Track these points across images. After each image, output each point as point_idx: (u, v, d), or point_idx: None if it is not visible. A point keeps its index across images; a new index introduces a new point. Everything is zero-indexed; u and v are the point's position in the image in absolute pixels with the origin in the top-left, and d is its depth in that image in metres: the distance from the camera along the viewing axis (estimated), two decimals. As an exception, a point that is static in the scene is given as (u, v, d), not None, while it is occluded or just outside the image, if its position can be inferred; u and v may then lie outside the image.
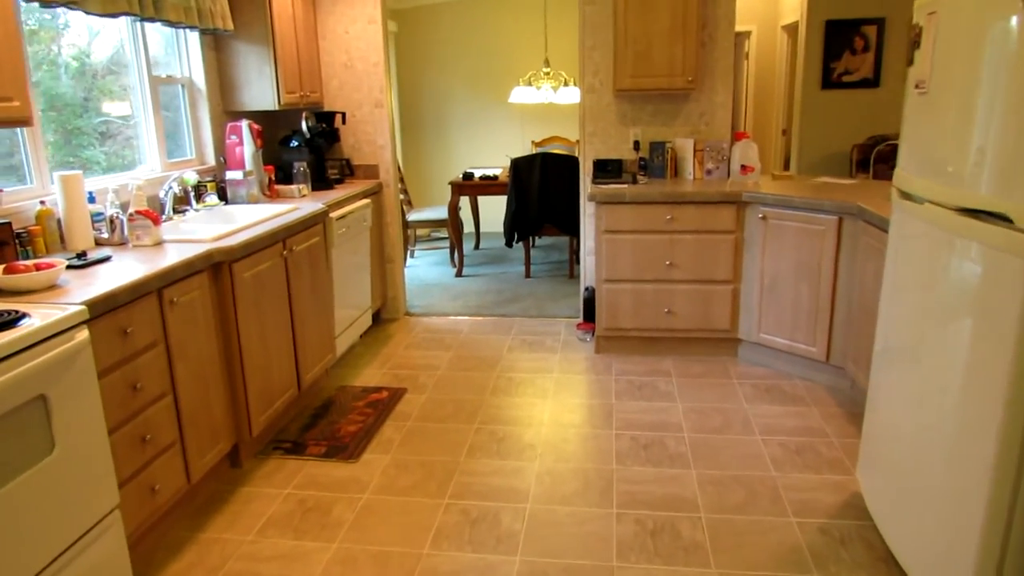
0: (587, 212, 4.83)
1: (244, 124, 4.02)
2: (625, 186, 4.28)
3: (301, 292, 3.57)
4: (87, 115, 3.40)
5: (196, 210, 3.69)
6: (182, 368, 2.64)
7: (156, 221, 2.94)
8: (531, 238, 6.34)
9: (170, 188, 3.47)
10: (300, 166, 4.38)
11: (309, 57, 4.67)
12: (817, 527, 2.67)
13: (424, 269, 6.61)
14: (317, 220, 3.77)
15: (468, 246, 7.47)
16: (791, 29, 7.77)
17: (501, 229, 7.54)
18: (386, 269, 5.13)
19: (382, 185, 5.01)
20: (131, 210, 2.92)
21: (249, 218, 3.54)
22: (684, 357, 4.35)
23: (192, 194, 3.73)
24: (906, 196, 2.53)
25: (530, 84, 6.47)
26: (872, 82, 7.23)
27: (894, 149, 5.68)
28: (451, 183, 6.31)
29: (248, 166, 4.03)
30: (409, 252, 6.89)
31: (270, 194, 4.22)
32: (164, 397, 2.53)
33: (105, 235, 2.95)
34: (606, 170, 4.61)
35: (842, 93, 7.31)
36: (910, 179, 2.47)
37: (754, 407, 3.66)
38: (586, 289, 4.87)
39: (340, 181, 4.82)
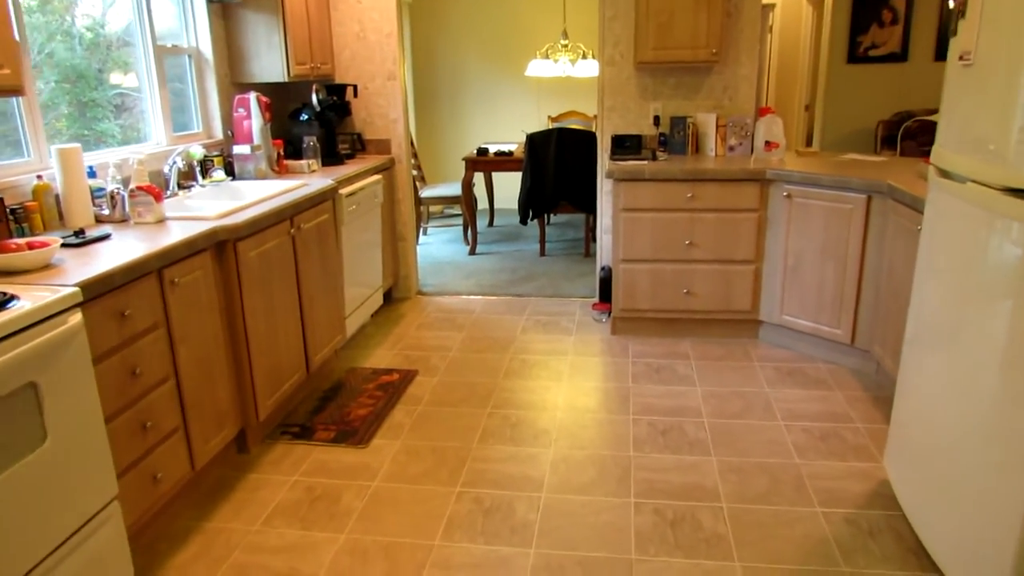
0: (604, 189, 4.69)
1: (252, 97, 3.90)
2: (644, 163, 4.14)
3: (309, 271, 3.47)
4: (102, 87, 3.32)
5: (202, 185, 3.59)
6: (184, 351, 2.54)
7: (158, 197, 2.84)
8: (546, 215, 6.20)
9: (174, 163, 3.36)
10: (310, 140, 4.26)
11: (320, 27, 4.53)
12: (844, 518, 2.56)
13: (437, 247, 6.50)
14: (326, 197, 3.65)
15: (482, 223, 7.34)
16: (816, 1, 7.54)
17: (516, 206, 7.40)
18: (398, 247, 5.02)
19: (394, 160, 4.88)
20: (132, 186, 2.81)
21: (256, 194, 3.43)
22: (703, 339, 4.22)
23: (198, 169, 3.63)
24: (945, 174, 2.39)
25: (547, 57, 6.30)
26: (900, 56, 7.02)
27: (923, 125, 5.48)
28: (465, 159, 6.18)
29: (256, 140, 3.91)
30: (422, 229, 6.78)
31: (279, 169, 4.11)
32: (166, 382, 2.43)
33: (106, 212, 2.85)
34: (625, 146, 4.46)
35: (868, 67, 7.11)
36: (950, 157, 2.32)
37: (776, 391, 3.54)
38: (602, 268, 4.74)
39: (351, 156, 4.70)
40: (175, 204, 3.23)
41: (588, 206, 5.80)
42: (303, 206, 3.38)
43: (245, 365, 2.92)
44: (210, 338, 2.72)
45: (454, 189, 6.47)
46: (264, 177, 3.89)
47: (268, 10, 4.02)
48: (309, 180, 3.81)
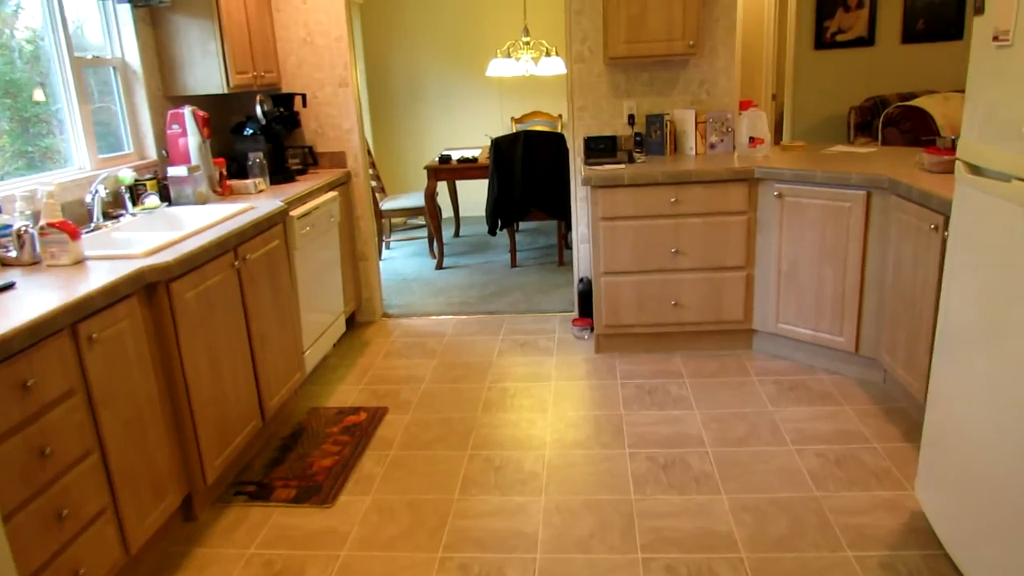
0: (579, 196, 4.37)
1: (187, 111, 3.50)
2: (622, 166, 3.82)
3: (259, 306, 3.09)
4: (45, 101, 3.08)
5: (132, 215, 3.19)
6: (110, 417, 2.16)
7: (74, 235, 2.44)
8: (516, 223, 5.87)
9: (96, 191, 2.96)
10: (256, 157, 3.87)
11: (262, 32, 4.14)
12: (879, 562, 2.27)
13: (401, 262, 6.12)
14: (275, 221, 3.28)
15: (448, 233, 6.98)
16: (780, -13, 7.31)
17: (482, 213, 7.08)
18: (359, 268, 4.64)
19: (350, 174, 4.51)
20: (43, 222, 2.42)
21: (195, 223, 3.06)
22: (695, 353, 3.92)
23: (127, 196, 3.22)
24: (975, 170, 2.11)
25: (509, 55, 5.96)
26: (867, 40, 6.87)
27: (904, 112, 5.26)
28: (427, 167, 5.80)
29: (194, 160, 3.52)
30: (384, 243, 6.40)
31: (222, 191, 3.71)
32: (87, 457, 2.05)
33: (13, 254, 2.45)
34: (599, 148, 4.14)
35: (836, 53, 6.94)
36: (985, 151, 2.04)
37: (780, 410, 3.25)
38: (580, 280, 4.42)
39: (303, 172, 4.32)
40: (99, 239, 2.83)
41: (560, 212, 5.48)
42: (248, 234, 3.00)
43: (187, 422, 2.54)
44: (142, 397, 2.33)
45: (416, 200, 6.11)
46: (205, 201, 3.50)
47: (202, 14, 3.63)
48: (256, 202, 3.43)
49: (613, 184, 3.69)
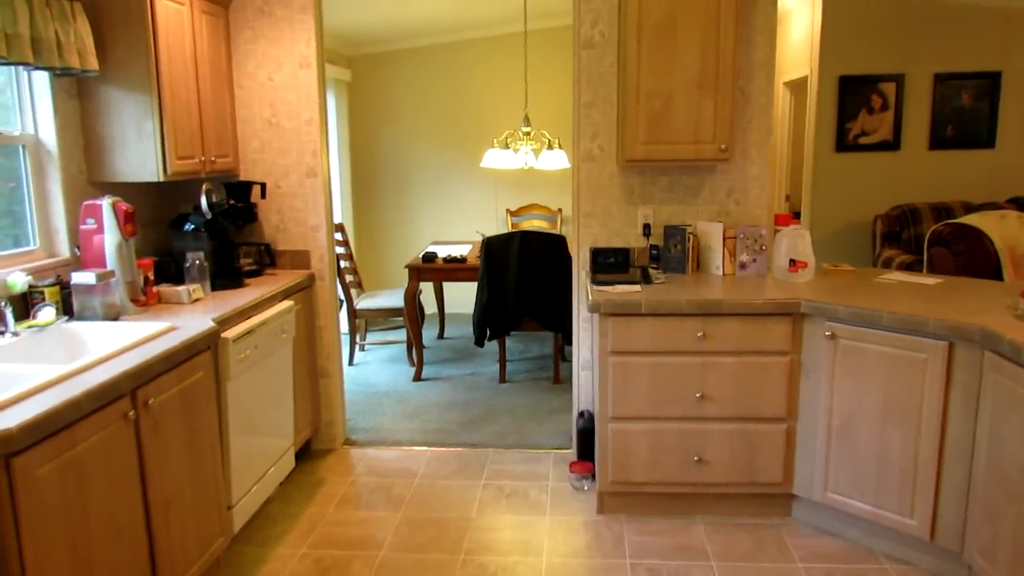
0: (581, 313, 3.70)
1: (105, 203, 2.84)
2: (637, 289, 3.15)
3: (165, 464, 2.35)
4: None
5: (15, 334, 2.47)
6: None
7: None
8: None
9: (-49, 311, 2.25)
10: (195, 258, 3.19)
11: (218, 112, 3.53)
12: None
13: (375, 368, 5.38)
14: (199, 348, 2.57)
15: (431, 334, 6.27)
16: (795, 86, 6.89)
17: (470, 311, 6.38)
18: (319, 386, 3.91)
19: (314, 277, 3.82)
20: None
21: (93, 350, 2.36)
22: (721, 521, 3.17)
23: (8, 311, 2.51)
24: None
25: (507, 146, 5.38)
26: (892, 144, 6.41)
27: (955, 231, 4.64)
28: (408, 267, 5.13)
29: (110, 263, 2.83)
30: (359, 346, 5.68)
31: (146, 299, 3.01)
32: None
33: None
34: (608, 263, 3.49)
35: (859, 156, 6.46)
36: None
37: (839, 621, 2.49)
38: (580, 414, 3.69)
39: (257, 273, 3.63)
40: (-53, 375, 2.12)
41: (557, 324, 4.80)
42: (155, 370, 2.29)
43: (24, 653, 1.78)
44: (-57, 634, 1.58)
45: (396, 299, 5.41)
46: (117, 316, 2.79)
47: (139, 88, 3.01)
48: (184, 319, 2.73)
49: (627, 312, 3.01)
